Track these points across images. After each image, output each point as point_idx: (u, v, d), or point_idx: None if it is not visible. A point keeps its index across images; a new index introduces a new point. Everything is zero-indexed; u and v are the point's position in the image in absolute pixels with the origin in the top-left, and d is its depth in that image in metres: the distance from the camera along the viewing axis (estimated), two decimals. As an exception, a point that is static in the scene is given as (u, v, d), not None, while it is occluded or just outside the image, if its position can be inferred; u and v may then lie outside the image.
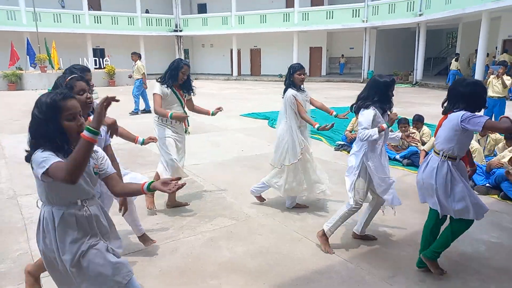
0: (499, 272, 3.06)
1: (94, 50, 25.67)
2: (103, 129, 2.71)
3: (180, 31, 28.52)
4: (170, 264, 3.15)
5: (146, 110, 11.16)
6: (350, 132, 6.98)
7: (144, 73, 11.03)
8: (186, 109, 4.22)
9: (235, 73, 27.80)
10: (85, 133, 1.57)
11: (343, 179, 3.45)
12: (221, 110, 4.32)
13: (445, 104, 2.89)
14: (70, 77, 2.38)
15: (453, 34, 27.52)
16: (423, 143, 5.81)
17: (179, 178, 1.85)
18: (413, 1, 20.17)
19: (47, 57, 17.97)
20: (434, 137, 2.98)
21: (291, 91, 4.00)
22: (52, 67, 18.10)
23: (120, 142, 2.88)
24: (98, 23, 25.15)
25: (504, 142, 5.42)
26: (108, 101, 1.63)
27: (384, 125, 3.10)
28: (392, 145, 6.16)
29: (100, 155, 1.97)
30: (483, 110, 2.83)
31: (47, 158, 1.68)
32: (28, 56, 18.64)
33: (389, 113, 3.26)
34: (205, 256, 3.28)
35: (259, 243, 3.50)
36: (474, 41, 17.64)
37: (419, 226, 3.26)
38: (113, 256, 1.91)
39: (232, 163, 6.18)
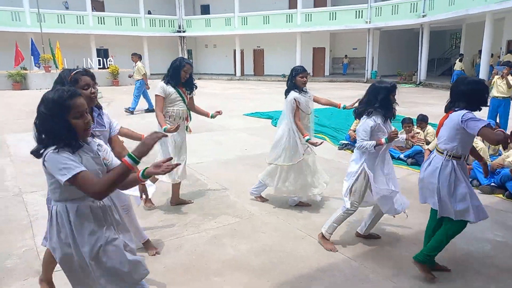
0: (503, 271, 3.05)
1: (98, 51, 25.76)
2: (107, 120, 2.73)
3: (184, 32, 28.56)
4: (175, 261, 3.17)
5: (150, 110, 11.19)
6: (354, 131, 6.97)
7: (144, 73, 11.04)
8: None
9: (238, 73, 27.78)
10: (127, 159, 1.69)
11: (345, 179, 3.44)
12: (220, 114, 4.29)
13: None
14: (75, 71, 2.40)
15: (456, 35, 27.46)
16: (428, 143, 5.80)
17: (171, 159, 1.84)
18: (417, 2, 20.08)
19: (51, 57, 18.06)
20: (437, 136, 2.97)
21: (293, 94, 3.98)
22: (56, 67, 18.16)
23: (124, 141, 2.90)
24: (101, 24, 25.25)
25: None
26: (160, 137, 1.73)
27: (383, 140, 3.07)
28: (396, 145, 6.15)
29: (105, 148, 2.00)
30: (486, 109, 2.81)
31: (69, 166, 1.68)
32: (32, 57, 18.72)
33: (392, 128, 3.19)
34: (209, 253, 3.29)
35: (263, 241, 3.51)
36: (478, 42, 17.57)
37: (423, 225, 3.26)
38: (130, 254, 1.94)
39: (235, 162, 6.19)
